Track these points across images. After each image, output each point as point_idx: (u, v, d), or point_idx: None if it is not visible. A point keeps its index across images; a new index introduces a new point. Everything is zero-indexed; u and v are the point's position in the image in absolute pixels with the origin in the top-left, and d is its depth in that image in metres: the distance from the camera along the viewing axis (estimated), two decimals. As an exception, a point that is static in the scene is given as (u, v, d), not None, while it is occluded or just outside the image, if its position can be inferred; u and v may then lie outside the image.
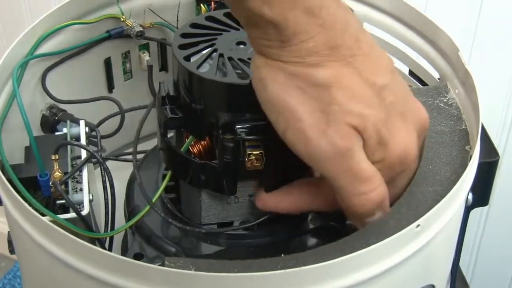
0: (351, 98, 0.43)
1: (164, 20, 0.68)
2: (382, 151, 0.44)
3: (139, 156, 0.63)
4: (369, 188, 0.44)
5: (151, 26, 0.67)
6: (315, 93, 0.42)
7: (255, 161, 0.48)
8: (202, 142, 0.52)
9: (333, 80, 0.42)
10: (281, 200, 0.51)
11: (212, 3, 0.64)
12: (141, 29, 0.66)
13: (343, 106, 0.42)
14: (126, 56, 0.69)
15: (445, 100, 0.55)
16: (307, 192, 0.50)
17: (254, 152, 0.48)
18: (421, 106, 0.47)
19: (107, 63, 0.68)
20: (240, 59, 0.49)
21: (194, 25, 0.53)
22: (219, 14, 0.54)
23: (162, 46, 0.70)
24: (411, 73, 0.63)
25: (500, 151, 0.53)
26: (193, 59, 0.50)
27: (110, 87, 0.69)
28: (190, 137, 0.51)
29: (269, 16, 0.41)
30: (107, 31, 0.65)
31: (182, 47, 0.50)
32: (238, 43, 0.51)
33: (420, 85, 0.62)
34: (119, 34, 0.66)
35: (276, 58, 0.43)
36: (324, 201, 0.49)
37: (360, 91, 0.43)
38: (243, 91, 0.47)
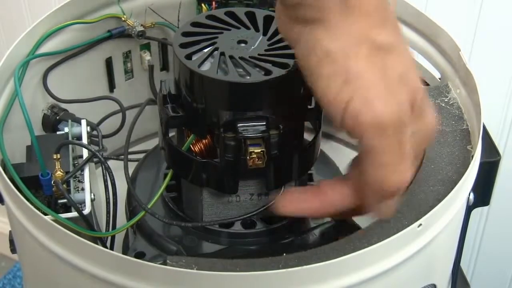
0: (408, 68, 0.43)
1: (165, 20, 0.68)
2: (418, 123, 0.44)
3: (140, 156, 0.63)
4: (408, 166, 0.43)
5: (152, 25, 0.67)
6: (379, 58, 0.42)
7: (257, 159, 0.48)
8: (204, 141, 0.52)
9: (394, 45, 0.42)
10: (305, 201, 0.48)
11: (213, 2, 0.64)
12: (142, 28, 0.66)
13: (403, 76, 0.42)
14: (127, 55, 0.69)
15: (446, 100, 0.55)
16: (339, 192, 0.47)
17: (256, 150, 0.48)
18: None
19: (108, 63, 0.68)
20: (241, 58, 0.49)
21: (195, 24, 0.53)
22: (220, 13, 0.54)
23: (163, 45, 0.70)
24: (412, 72, 0.63)
25: (499, 151, 0.53)
26: (194, 57, 0.50)
27: (111, 86, 0.69)
28: (191, 135, 0.51)
29: None
30: (108, 31, 0.65)
31: (183, 45, 0.50)
32: (239, 42, 0.51)
33: (421, 85, 0.62)
34: (120, 33, 0.66)
35: (340, 22, 0.42)
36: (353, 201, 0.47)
37: (410, 60, 0.43)
38: (244, 89, 0.48)
